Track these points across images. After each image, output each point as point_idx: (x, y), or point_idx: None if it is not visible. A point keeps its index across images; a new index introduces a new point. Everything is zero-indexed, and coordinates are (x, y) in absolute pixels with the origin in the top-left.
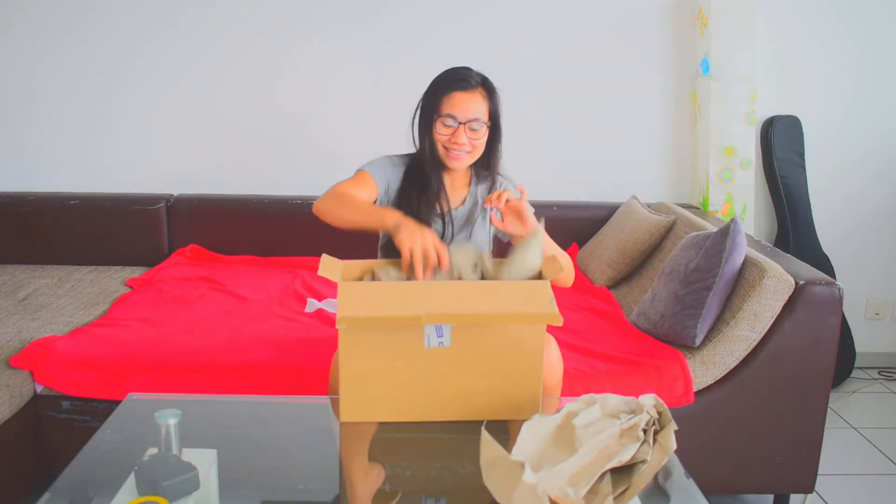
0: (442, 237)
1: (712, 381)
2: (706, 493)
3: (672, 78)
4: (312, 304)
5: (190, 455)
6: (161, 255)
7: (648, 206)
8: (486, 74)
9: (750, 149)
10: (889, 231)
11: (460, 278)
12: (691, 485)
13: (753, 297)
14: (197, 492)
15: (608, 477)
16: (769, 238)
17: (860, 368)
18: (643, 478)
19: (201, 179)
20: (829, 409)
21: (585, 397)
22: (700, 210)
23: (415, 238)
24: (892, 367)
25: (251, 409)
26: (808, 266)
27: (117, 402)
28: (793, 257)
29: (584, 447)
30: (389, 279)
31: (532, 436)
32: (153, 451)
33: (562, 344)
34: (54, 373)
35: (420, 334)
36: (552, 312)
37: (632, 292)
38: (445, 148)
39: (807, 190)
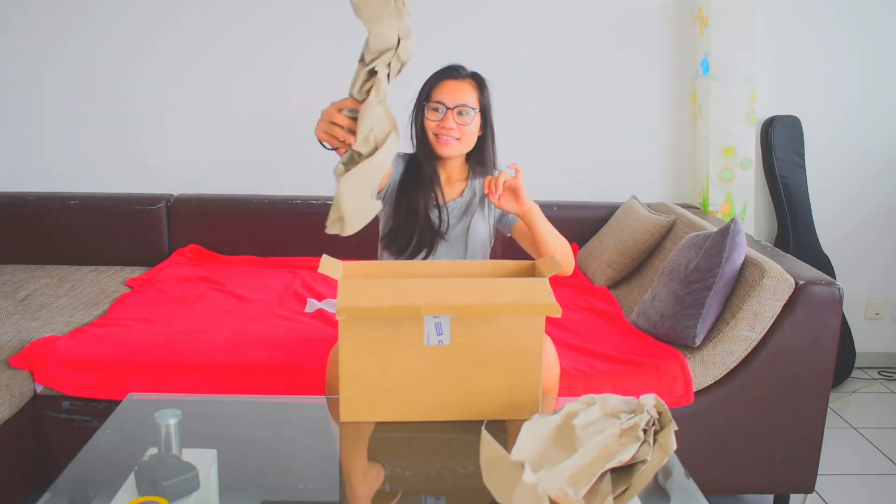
0: (438, 228)
1: (712, 381)
2: (706, 493)
3: (672, 78)
4: (312, 304)
5: (190, 455)
6: (161, 255)
7: (648, 206)
8: (487, 74)
9: (750, 149)
10: (889, 231)
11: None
12: (691, 485)
13: (753, 297)
14: (197, 492)
15: (608, 477)
16: (769, 238)
17: (860, 368)
18: (643, 478)
19: (201, 179)
20: (829, 409)
21: (585, 397)
22: (700, 210)
23: (319, 125)
24: (892, 367)
25: (251, 409)
26: (808, 266)
27: (117, 402)
28: (793, 257)
29: (584, 447)
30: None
31: (532, 436)
32: (153, 451)
33: (562, 344)
34: (54, 373)
35: (420, 332)
36: (551, 303)
37: (632, 292)
38: (435, 135)
39: (807, 190)
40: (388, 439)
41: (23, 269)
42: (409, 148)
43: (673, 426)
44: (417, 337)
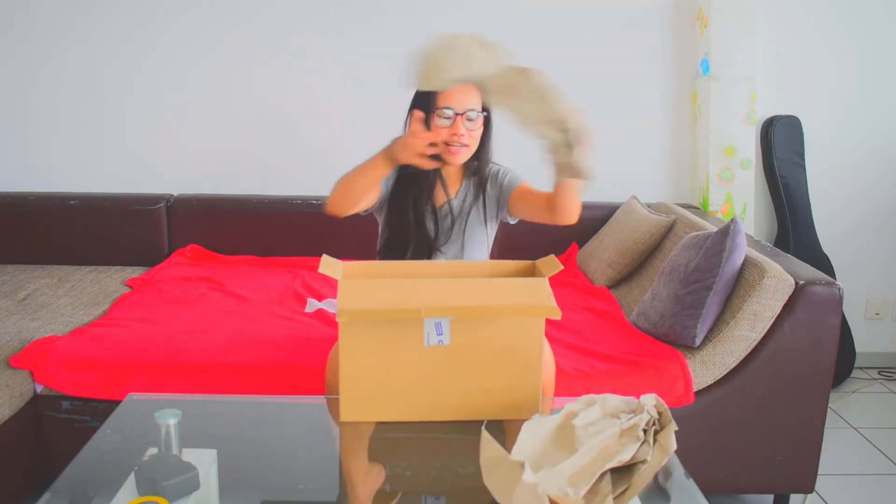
0: (435, 231)
1: (712, 381)
2: (706, 493)
3: (672, 78)
4: (312, 304)
5: (190, 455)
6: (161, 255)
7: (648, 206)
8: None
9: (750, 149)
10: (889, 231)
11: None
12: (691, 485)
13: (753, 297)
14: (197, 492)
15: (608, 477)
16: (769, 238)
17: (860, 368)
18: (643, 478)
19: (201, 179)
20: (829, 409)
21: (585, 398)
22: (700, 210)
23: (407, 148)
24: (892, 367)
25: (251, 409)
26: (808, 266)
27: (117, 402)
28: (793, 257)
29: (584, 447)
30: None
31: (532, 436)
32: (153, 451)
33: (562, 344)
34: (54, 373)
35: (420, 332)
36: (551, 306)
37: (632, 292)
38: (447, 144)
39: (807, 190)
40: (388, 439)
41: (23, 269)
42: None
43: (673, 426)
44: (417, 337)
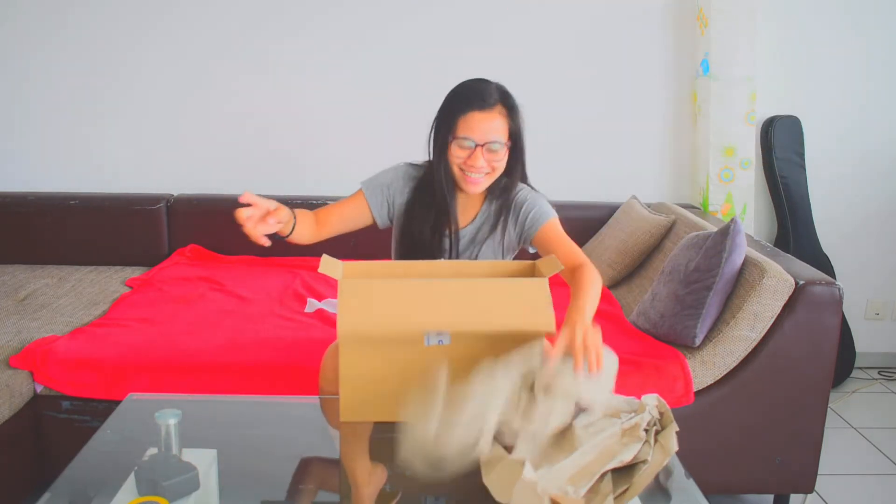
0: (448, 257)
1: (712, 381)
2: (706, 493)
3: (672, 78)
4: (312, 304)
5: (190, 455)
6: (161, 255)
7: (648, 206)
8: (487, 74)
9: (750, 149)
10: (889, 231)
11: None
12: (691, 485)
13: (753, 297)
14: (197, 492)
15: (609, 476)
16: (769, 238)
17: (860, 368)
18: (644, 478)
19: (201, 179)
20: (829, 409)
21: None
22: (700, 210)
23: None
24: (892, 367)
25: (251, 409)
26: (808, 266)
27: (117, 402)
28: (793, 257)
29: (585, 446)
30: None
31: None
32: (153, 451)
33: None
34: (54, 373)
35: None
36: (548, 323)
37: (632, 292)
38: (462, 170)
39: (807, 190)
40: (388, 439)
41: (23, 269)
42: (414, 150)
43: (674, 427)
44: (417, 337)
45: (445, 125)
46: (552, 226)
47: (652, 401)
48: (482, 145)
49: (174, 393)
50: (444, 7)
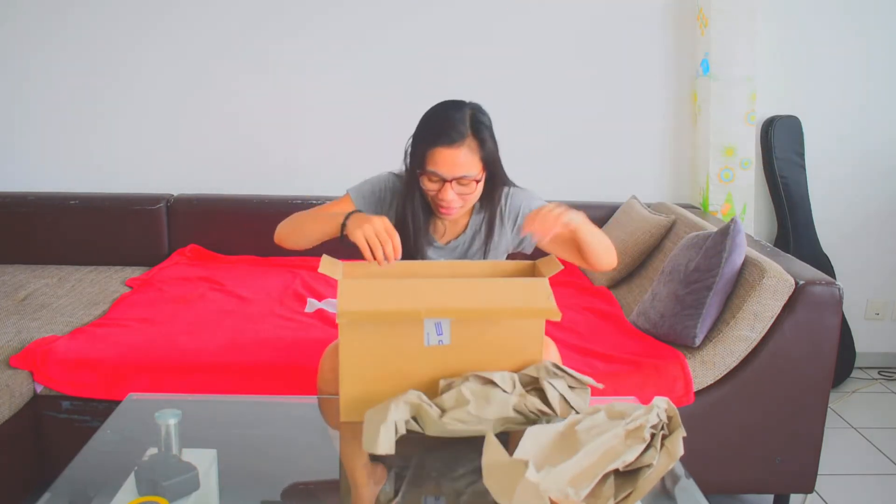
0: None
1: (712, 381)
2: (706, 493)
3: (672, 78)
4: (312, 304)
5: (190, 455)
6: (161, 255)
7: (648, 206)
8: (487, 74)
9: (750, 149)
10: (889, 231)
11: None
12: (691, 485)
13: (753, 297)
14: (197, 492)
15: (611, 479)
16: (769, 238)
17: (860, 368)
18: (648, 482)
19: (201, 179)
20: (829, 409)
21: (589, 408)
22: (700, 210)
23: (363, 227)
24: (892, 367)
25: (251, 409)
26: (808, 266)
27: (117, 402)
28: (793, 257)
29: (587, 447)
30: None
31: (535, 442)
32: (153, 451)
33: (562, 344)
34: (54, 373)
35: (420, 332)
36: (550, 307)
37: (632, 292)
38: (434, 201)
39: (807, 190)
40: None
41: (23, 269)
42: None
43: (682, 432)
44: (417, 337)
45: (415, 157)
46: None
47: (662, 403)
48: (451, 181)
49: (174, 393)
50: (444, 7)
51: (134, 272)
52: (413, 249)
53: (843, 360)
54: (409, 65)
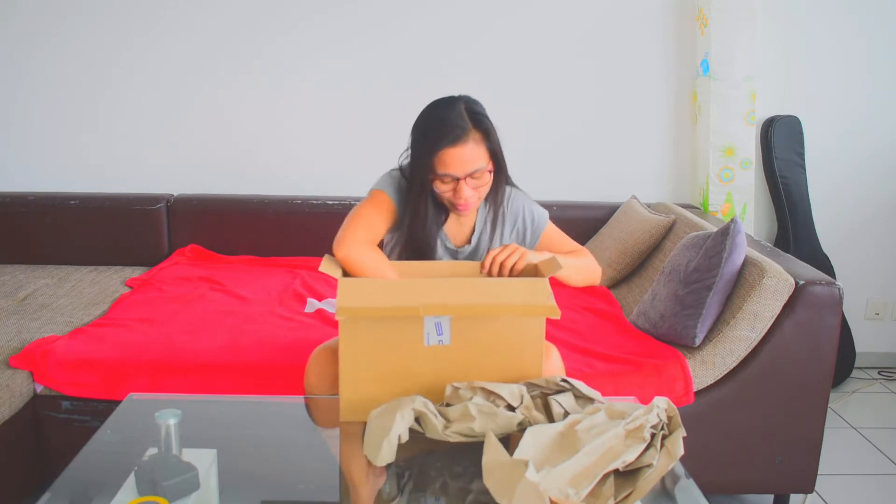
0: None
1: (712, 381)
2: (706, 493)
3: (672, 78)
4: (312, 304)
5: (190, 455)
6: (161, 255)
7: (648, 206)
8: (486, 74)
9: (750, 149)
10: (890, 231)
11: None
12: (691, 485)
13: (753, 297)
14: (197, 492)
15: (611, 480)
16: (769, 238)
17: (860, 368)
18: (648, 482)
19: (201, 179)
20: (829, 409)
21: (590, 408)
22: (700, 210)
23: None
24: (892, 367)
25: (251, 409)
26: (808, 266)
27: (117, 402)
28: (793, 257)
29: (587, 447)
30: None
31: (535, 443)
32: (153, 451)
33: (562, 344)
34: (54, 373)
35: (420, 332)
36: (550, 305)
37: (632, 292)
38: (451, 202)
39: (807, 190)
40: None
41: (23, 269)
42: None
43: (682, 432)
44: (417, 337)
45: (422, 165)
46: (551, 229)
47: (662, 403)
48: (464, 178)
49: (174, 393)
50: (443, 7)
51: (134, 272)
52: (427, 255)
53: (843, 360)
54: (409, 65)
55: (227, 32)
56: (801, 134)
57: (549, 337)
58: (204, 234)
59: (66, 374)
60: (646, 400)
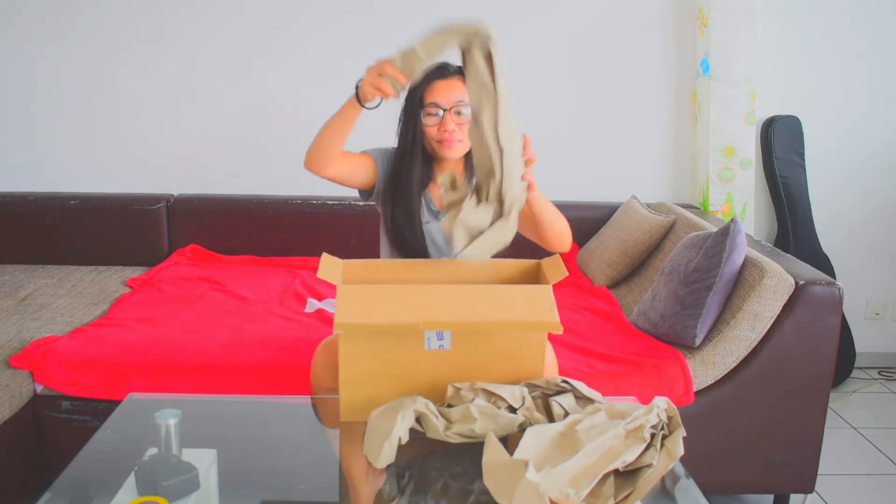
0: (432, 236)
1: (712, 381)
2: (706, 493)
3: (672, 78)
4: (312, 304)
5: (190, 455)
6: (161, 255)
7: (648, 206)
8: None
9: (750, 149)
10: (890, 231)
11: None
12: (691, 485)
13: (753, 297)
14: (197, 492)
15: (611, 480)
16: (769, 238)
17: (860, 368)
18: (648, 482)
19: (201, 179)
20: (829, 409)
21: (589, 408)
22: (700, 210)
23: (366, 79)
24: (892, 367)
25: (251, 409)
26: (808, 266)
27: (117, 402)
28: (793, 257)
29: (587, 447)
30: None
31: (535, 443)
32: (153, 451)
33: (562, 344)
34: (54, 373)
35: (420, 337)
36: (552, 321)
37: (632, 292)
38: (439, 141)
39: (807, 190)
40: None
41: (23, 269)
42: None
43: (682, 432)
44: (418, 343)
45: (412, 103)
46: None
47: (662, 403)
48: (449, 109)
49: (174, 393)
50: (444, 9)
51: (134, 272)
52: (412, 213)
53: (843, 360)
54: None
55: (226, 33)
56: (801, 134)
57: (549, 337)
58: (204, 234)
59: (66, 374)
60: (646, 400)
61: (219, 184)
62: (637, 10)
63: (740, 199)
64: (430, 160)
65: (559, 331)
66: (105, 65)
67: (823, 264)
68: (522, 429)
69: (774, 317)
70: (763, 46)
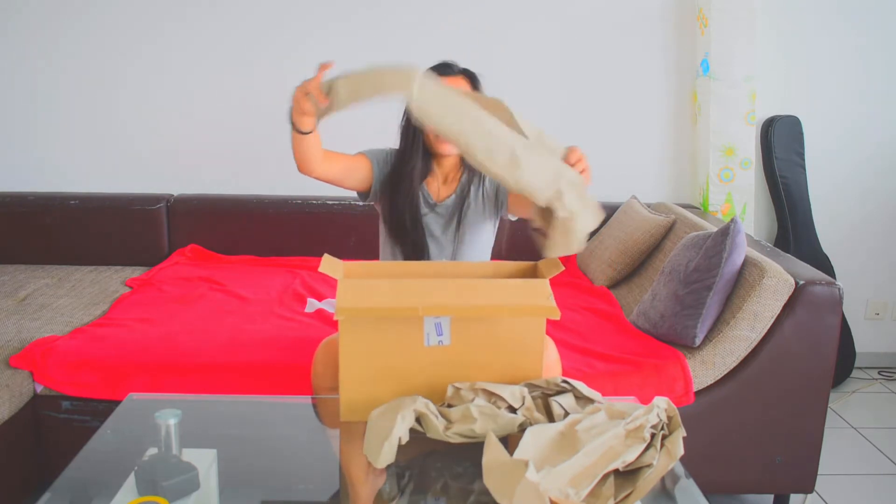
0: (435, 227)
1: (712, 381)
2: (706, 493)
3: (672, 78)
4: (312, 304)
5: (190, 455)
6: (161, 255)
7: (648, 206)
8: (486, 74)
9: (750, 149)
10: (890, 231)
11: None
12: (691, 485)
13: (753, 297)
14: (197, 492)
15: (611, 479)
16: (769, 238)
17: (860, 368)
18: (648, 482)
19: (201, 179)
20: (829, 409)
21: (590, 407)
22: (700, 210)
23: (296, 91)
24: (892, 367)
25: (251, 409)
26: (808, 266)
27: (117, 402)
28: (793, 257)
29: (587, 447)
30: None
31: (535, 443)
32: (153, 451)
33: (562, 344)
34: (54, 373)
35: (420, 333)
36: (550, 306)
37: (632, 292)
38: (436, 137)
39: (807, 190)
40: None
41: (23, 269)
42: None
43: (682, 432)
44: (417, 337)
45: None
46: None
47: (662, 403)
48: None
49: (174, 393)
50: (444, 8)
51: (134, 272)
52: (413, 204)
53: (843, 360)
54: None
55: (225, 32)
56: (801, 134)
57: (548, 337)
58: (204, 234)
59: (66, 374)
60: (646, 400)
61: (219, 184)
62: (637, 11)
63: (740, 199)
64: (429, 155)
65: (556, 315)
66: (105, 65)
67: (823, 264)
68: (522, 429)
69: (774, 317)
70: (763, 46)
